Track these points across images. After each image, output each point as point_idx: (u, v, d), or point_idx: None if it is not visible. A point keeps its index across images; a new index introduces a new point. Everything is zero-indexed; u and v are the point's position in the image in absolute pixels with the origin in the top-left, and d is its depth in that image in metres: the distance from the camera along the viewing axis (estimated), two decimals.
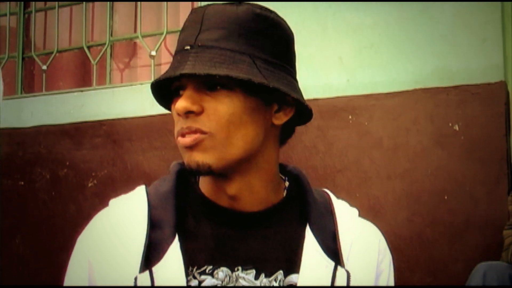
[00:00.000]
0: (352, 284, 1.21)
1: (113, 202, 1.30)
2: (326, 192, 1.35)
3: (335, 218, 1.28)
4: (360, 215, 1.34)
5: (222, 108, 1.15)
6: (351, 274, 1.21)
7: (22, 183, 3.52)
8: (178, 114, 1.15)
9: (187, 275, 1.17)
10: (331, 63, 2.86)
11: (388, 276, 1.31)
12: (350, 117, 2.75)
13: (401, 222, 2.62)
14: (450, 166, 2.58)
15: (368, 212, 2.52)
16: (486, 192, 2.52)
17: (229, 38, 1.17)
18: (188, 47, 1.16)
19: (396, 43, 2.76)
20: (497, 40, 2.59)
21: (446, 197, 2.57)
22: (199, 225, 1.23)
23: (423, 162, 2.63)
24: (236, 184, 1.21)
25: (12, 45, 3.80)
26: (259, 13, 1.20)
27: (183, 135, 1.15)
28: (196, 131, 1.14)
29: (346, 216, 1.30)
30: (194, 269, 1.19)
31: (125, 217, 1.23)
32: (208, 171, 1.16)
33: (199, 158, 1.15)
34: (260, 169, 1.23)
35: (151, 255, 1.17)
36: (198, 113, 1.15)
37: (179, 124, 1.16)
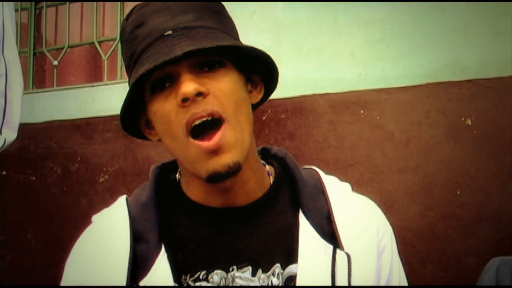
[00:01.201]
0: (353, 266, 1.16)
1: (95, 218, 1.25)
2: (314, 170, 1.30)
3: (328, 198, 1.23)
4: (353, 189, 1.30)
5: (225, 87, 1.11)
6: (352, 256, 1.17)
7: (34, 178, 3.53)
8: (184, 101, 1.08)
9: (180, 284, 1.13)
10: (342, 57, 2.84)
11: (391, 251, 1.26)
12: (362, 111, 2.73)
13: (413, 216, 2.61)
14: (462, 160, 2.57)
15: (380, 206, 2.51)
16: (499, 186, 2.50)
17: (203, 18, 1.14)
18: (170, 32, 1.10)
19: (408, 37, 2.74)
20: (510, 33, 2.56)
21: (458, 192, 2.56)
22: (186, 230, 1.18)
23: (435, 156, 2.61)
24: (230, 178, 1.14)
25: (23, 41, 3.80)
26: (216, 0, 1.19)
27: (195, 120, 1.08)
28: (211, 113, 1.08)
29: (339, 194, 1.25)
30: (188, 277, 1.15)
31: (108, 233, 1.19)
32: (238, 170, 1.10)
33: (228, 159, 1.09)
34: (249, 158, 1.17)
35: (138, 269, 1.13)
36: (205, 95, 1.09)
37: (187, 114, 1.09)
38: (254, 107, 1.22)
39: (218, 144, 1.08)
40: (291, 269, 1.17)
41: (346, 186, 1.30)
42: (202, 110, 1.08)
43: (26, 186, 3.54)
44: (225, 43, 1.09)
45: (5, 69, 2.11)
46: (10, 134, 2.13)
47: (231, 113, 1.10)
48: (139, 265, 1.13)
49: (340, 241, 1.18)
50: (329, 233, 1.19)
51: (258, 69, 1.20)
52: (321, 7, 2.88)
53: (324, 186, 1.25)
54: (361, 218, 1.24)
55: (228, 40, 1.13)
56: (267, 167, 1.27)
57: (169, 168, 1.30)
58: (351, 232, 1.21)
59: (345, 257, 1.17)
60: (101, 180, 3.33)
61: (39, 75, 3.89)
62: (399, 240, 2.54)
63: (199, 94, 1.08)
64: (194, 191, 1.20)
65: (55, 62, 3.71)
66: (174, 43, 1.08)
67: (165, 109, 1.11)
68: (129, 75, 1.18)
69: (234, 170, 1.10)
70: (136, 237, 1.16)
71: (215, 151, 1.08)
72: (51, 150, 3.50)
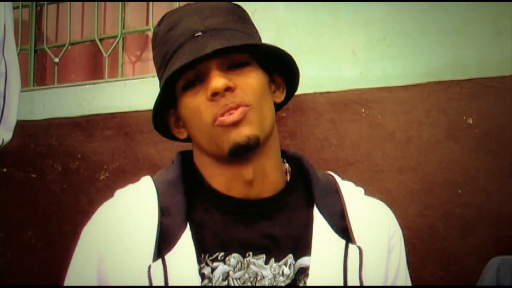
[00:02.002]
0: (364, 260, 1.22)
1: (120, 192, 1.31)
2: (330, 174, 1.38)
3: (342, 197, 1.30)
4: (366, 193, 1.36)
5: (252, 82, 1.20)
6: (363, 251, 1.23)
7: (34, 175, 3.53)
8: (213, 95, 1.16)
9: (199, 262, 1.18)
10: (343, 56, 2.84)
11: (400, 251, 1.33)
12: (362, 110, 2.73)
13: (413, 215, 2.61)
14: (463, 159, 2.57)
15: None
16: (500, 186, 2.50)
17: (230, 22, 1.23)
18: (200, 33, 1.19)
19: (409, 36, 2.74)
20: (511, 33, 2.56)
21: (459, 191, 2.56)
22: (208, 215, 1.24)
23: (436, 155, 2.61)
24: (253, 168, 1.22)
25: (24, 38, 3.81)
26: (234, 4, 1.29)
27: (224, 114, 1.16)
28: (240, 105, 1.16)
29: (353, 194, 1.32)
30: (206, 257, 1.20)
31: (134, 206, 1.23)
32: (257, 143, 1.18)
33: (248, 131, 1.16)
34: (271, 151, 1.26)
35: (163, 243, 1.18)
36: (233, 90, 1.17)
37: (216, 106, 1.17)
38: (277, 108, 1.31)
39: (240, 117, 1.16)
40: (303, 261, 1.23)
41: (360, 190, 1.37)
42: (230, 102, 1.16)
43: (26, 183, 3.54)
44: (252, 42, 1.19)
45: (5, 69, 2.12)
46: (6, 135, 2.16)
47: (255, 102, 1.19)
48: (164, 238, 1.18)
49: (353, 236, 1.24)
50: (342, 228, 1.25)
51: (281, 71, 1.30)
52: (322, 6, 2.88)
53: (339, 186, 1.32)
54: (373, 216, 1.31)
55: (253, 40, 1.23)
56: (286, 165, 1.34)
57: (191, 156, 1.35)
58: (363, 228, 1.27)
59: (357, 250, 1.23)
60: (101, 177, 3.33)
61: (40, 72, 3.90)
62: None
63: (228, 89, 1.16)
64: (217, 180, 1.25)
65: (56, 59, 3.72)
66: (204, 43, 1.16)
67: (195, 103, 1.19)
68: (161, 75, 1.27)
69: (252, 142, 1.17)
70: (163, 212, 1.21)
71: (235, 124, 1.16)
72: (51, 148, 3.50)
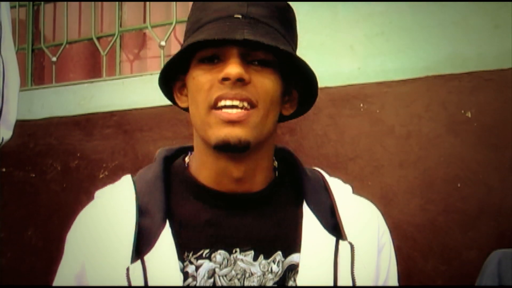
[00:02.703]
0: (356, 257, 1.20)
1: (99, 193, 1.30)
2: (317, 170, 1.36)
3: (331, 193, 1.28)
4: (353, 192, 1.35)
5: (268, 84, 1.16)
6: (355, 247, 1.21)
7: (34, 174, 3.53)
8: (224, 80, 1.13)
9: (182, 261, 1.15)
10: (342, 51, 2.84)
11: (389, 251, 1.31)
12: (361, 105, 2.73)
13: (414, 210, 2.61)
14: (463, 153, 2.57)
15: (381, 200, 2.51)
16: (500, 179, 2.50)
17: (274, 18, 1.19)
18: (240, 16, 1.15)
19: (407, 30, 2.73)
20: (510, 25, 2.56)
21: (459, 185, 2.56)
22: (192, 210, 1.21)
23: (436, 149, 2.61)
24: (244, 166, 1.20)
25: (21, 37, 3.80)
26: (291, 8, 1.27)
27: (227, 100, 1.13)
28: (245, 99, 1.13)
29: (342, 192, 1.30)
30: (190, 254, 1.17)
31: (113, 207, 1.22)
32: (245, 147, 1.15)
33: (242, 133, 1.13)
34: (264, 153, 1.23)
35: (142, 243, 1.15)
36: (246, 83, 1.14)
37: (222, 90, 1.14)
38: (279, 119, 1.27)
39: (240, 118, 1.13)
40: (292, 258, 1.21)
41: (348, 187, 1.35)
42: (236, 93, 1.13)
43: (26, 183, 3.54)
44: (282, 47, 1.14)
45: (2, 68, 2.12)
46: (6, 133, 2.15)
47: (263, 105, 1.16)
48: (143, 239, 1.15)
49: (344, 232, 1.22)
50: (332, 225, 1.23)
51: (300, 87, 1.27)
52: (320, 2, 2.88)
53: (327, 182, 1.31)
54: (363, 215, 1.29)
55: (286, 47, 1.17)
56: (275, 162, 1.31)
57: (176, 152, 1.34)
58: (353, 226, 1.25)
59: (348, 246, 1.21)
60: (101, 176, 3.33)
61: (38, 72, 3.89)
62: (400, 233, 2.55)
63: (241, 79, 1.13)
64: (205, 175, 1.23)
65: (54, 59, 3.71)
66: (238, 27, 1.13)
67: (204, 78, 1.16)
68: (186, 38, 1.23)
69: (242, 146, 1.14)
70: (142, 212, 1.18)
71: (233, 122, 1.13)
72: (51, 147, 3.50)
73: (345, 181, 1.36)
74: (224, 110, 1.13)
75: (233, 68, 1.12)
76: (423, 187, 2.62)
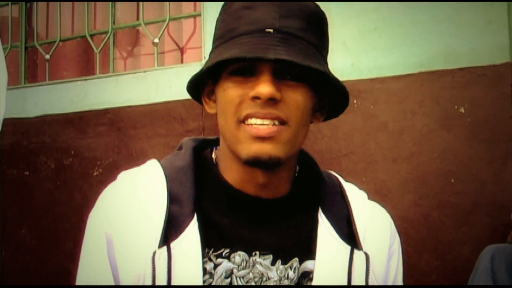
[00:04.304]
0: (370, 266, 1.20)
1: (124, 175, 1.26)
2: (334, 175, 1.34)
3: (348, 201, 1.27)
4: (368, 198, 1.34)
5: (300, 99, 1.14)
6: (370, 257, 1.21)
7: (27, 172, 3.52)
8: (255, 98, 1.11)
9: (202, 256, 1.14)
10: (335, 47, 2.81)
11: (398, 257, 1.31)
12: (355, 101, 2.73)
13: (408, 205, 2.62)
14: (456, 148, 2.57)
15: (375, 195, 2.49)
16: (493, 174, 2.50)
17: (310, 30, 1.16)
18: (271, 30, 1.12)
19: (400, 26, 2.74)
20: (502, 21, 2.57)
21: (452, 180, 2.56)
22: (217, 209, 1.21)
23: (429, 145, 2.62)
24: (271, 175, 1.19)
25: (14, 35, 3.79)
26: (323, 12, 1.21)
27: (257, 120, 1.11)
28: (276, 118, 1.11)
29: (357, 199, 1.30)
30: (211, 251, 1.17)
31: (141, 190, 1.19)
32: (275, 164, 1.13)
33: (272, 150, 1.12)
34: (292, 161, 1.23)
35: (169, 230, 1.14)
36: (278, 101, 1.12)
37: (251, 108, 1.12)
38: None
39: (270, 134, 1.11)
40: (307, 264, 1.21)
41: (363, 194, 1.34)
42: (266, 113, 1.11)
43: (20, 181, 3.53)
44: (316, 67, 1.11)
45: None
46: None
47: (295, 121, 1.13)
48: (171, 226, 1.14)
49: (360, 242, 1.22)
50: (348, 234, 1.23)
51: (331, 98, 1.25)
52: None
53: (344, 190, 1.30)
54: (376, 222, 1.29)
55: (320, 63, 1.15)
56: (296, 167, 1.30)
57: (201, 143, 1.31)
58: (367, 235, 1.25)
59: (363, 257, 1.21)
60: (95, 173, 3.32)
61: (31, 70, 3.89)
62: None
63: (272, 99, 1.10)
64: (231, 176, 1.22)
65: (47, 56, 3.71)
66: (271, 45, 1.10)
67: (235, 92, 1.14)
68: (217, 45, 1.19)
69: (272, 163, 1.12)
70: (172, 199, 1.17)
71: (263, 139, 1.11)
72: (45, 145, 3.49)
73: (360, 187, 1.36)
74: (255, 126, 1.11)
75: (265, 88, 1.09)
76: (416, 183, 2.62)
